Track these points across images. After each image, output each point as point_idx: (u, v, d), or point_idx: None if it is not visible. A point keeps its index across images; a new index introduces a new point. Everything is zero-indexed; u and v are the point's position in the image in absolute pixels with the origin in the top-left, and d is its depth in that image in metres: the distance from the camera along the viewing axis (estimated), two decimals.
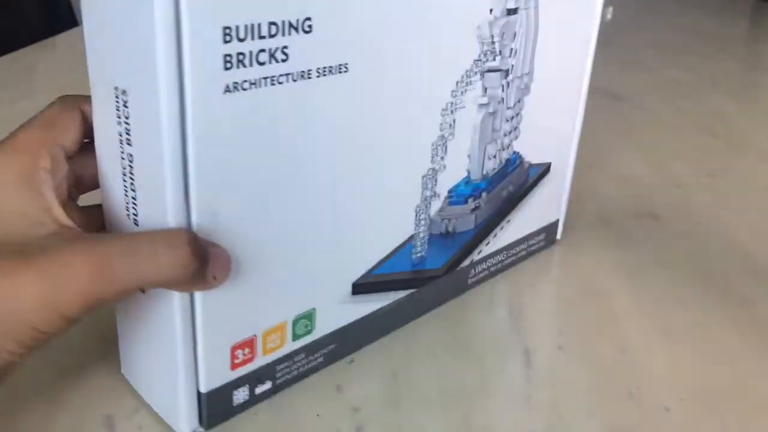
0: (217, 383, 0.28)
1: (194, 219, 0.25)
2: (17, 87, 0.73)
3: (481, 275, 0.40)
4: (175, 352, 0.27)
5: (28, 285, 0.22)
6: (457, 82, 0.32)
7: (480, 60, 0.33)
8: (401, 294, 0.35)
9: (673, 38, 1.20)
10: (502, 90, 0.35)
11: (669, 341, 0.37)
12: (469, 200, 0.36)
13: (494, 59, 0.34)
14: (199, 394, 0.28)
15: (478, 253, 0.39)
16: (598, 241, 0.46)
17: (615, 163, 0.63)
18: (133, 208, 0.26)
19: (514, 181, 0.39)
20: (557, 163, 0.42)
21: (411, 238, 0.34)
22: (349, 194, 0.30)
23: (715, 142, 0.70)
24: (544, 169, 0.41)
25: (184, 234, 0.24)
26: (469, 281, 0.39)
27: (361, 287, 0.32)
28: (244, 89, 0.24)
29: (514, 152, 0.38)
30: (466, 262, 0.38)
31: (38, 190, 0.25)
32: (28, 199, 0.25)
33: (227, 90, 0.24)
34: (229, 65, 0.23)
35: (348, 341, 0.34)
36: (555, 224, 0.44)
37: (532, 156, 0.40)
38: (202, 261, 0.24)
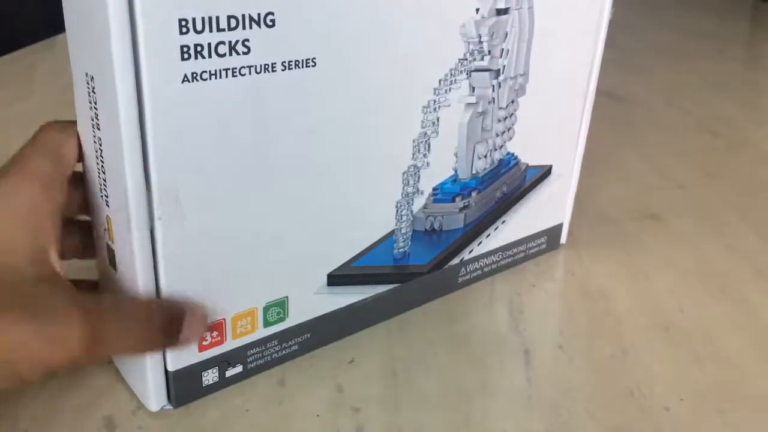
0: (183, 363, 0.29)
1: (155, 200, 0.26)
2: (17, 87, 0.74)
3: (474, 275, 0.40)
4: None
5: (26, 340, 0.23)
6: (440, 80, 0.32)
7: (466, 59, 0.33)
8: (382, 288, 0.35)
9: (674, 39, 1.20)
10: (493, 90, 0.35)
11: (669, 341, 0.37)
12: (457, 199, 0.36)
13: (482, 59, 0.34)
14: (166, 372, 0.29)
15: (469, 252, 0.38)
16: (599, 241, 0.46)
17: (615, 164, 0.63)
18: (104, 190, 0.27)
19: (509, 182, 0.39)
20: (560, 166, 0.42)
21: (392, 233, 0.34)
22: (322, 187, 0.30)
23: (716, 142, 0.70)
24: (544, 172, 0.41)
25: (156, 316, 0.26)
26: (460, 280, 0.39)
27: (336, 279, 0.33)
28: (204, 79, 0.25)
29: (509, 153, 0.38)
30: (455, 261, 0.38)
31: (42, 225, 0.25)
32: (29, 234, 0.25)
33: (186, 80, 0.24)
34: (186, 56, 0.24)
35: (324, 331, 0.34)
36: (558, 228, 0.44)
37: (529, 157, 0.39)
38: (169, 337, 0.27)
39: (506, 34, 0.34)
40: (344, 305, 0.34)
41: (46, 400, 0.31)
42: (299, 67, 0.27)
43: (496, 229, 0.39)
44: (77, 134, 0.28)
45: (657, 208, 0.53)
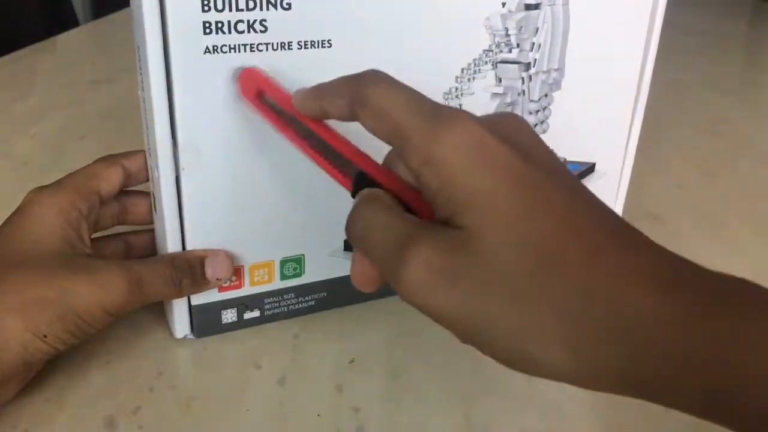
0: (204, 300, 0.34)
1: (180, 152, 0.30)
2: (17, 87, 0.74)
3: None
4: None
5: (83, 285, 0.30)
6: (463, 69, 0.34)
7: (491, 51, 0.34)
8: None
9: (673, 38, 1.20)
10: (522, 82, 0.36)
11: None
12: None
13: (510, 51, 0.35)
14: (190, 306, 0.34)
15: None
16: None
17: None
18: (147, 143, 0.32)
19: None
20: (606, 165, 0.41)
21: None
22: None
23: (715, 142, 0.70)
24: (586, 169, 0.41)
25: (168, 268, 0.32)
26: None
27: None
28: (224, 52, 0.29)
29: None
30: None
31: (73, 222, 0.32)
32: (66, 227, 0.32)
33: (207, 51, 0.29)
34: (208, 31, 0.28)
35: (341, 293, 0.36)
36: None
37: (568, 152, 0.39)
38: (195, 278, 0.32)
39: (537, 29, 0.35)
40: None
41: (46, 400, 0.31)
42: (315, 47, 0.30)
43: None
44: (122, 164, 0.34)
45: (657, 208, 0.53)
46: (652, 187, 0.57)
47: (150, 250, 0.36)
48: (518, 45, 0.35)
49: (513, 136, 0.24)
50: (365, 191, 0.27)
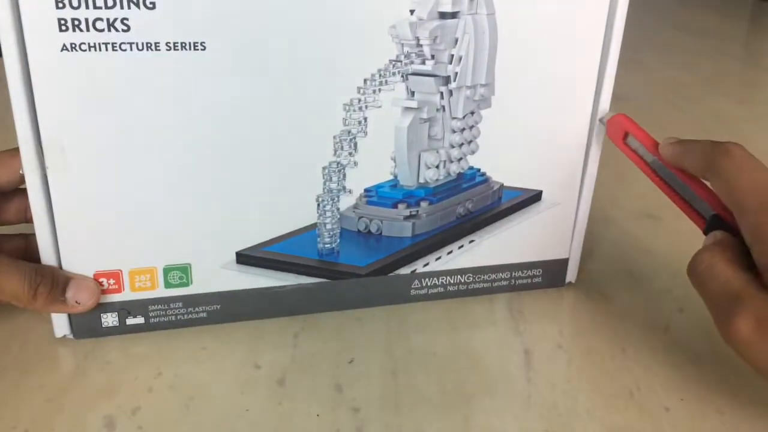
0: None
1: (45, 149, 0.29)
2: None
3: (434, 290, 0.38)
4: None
5: None
6: (366, 79, 0.32)
7: (399, 61, 0.32)
8: (307, 280, 0.35)
9: (673, 38, 1.20)
10: (442, 97, 0.34)
11: (669, 341, 0.37)
12: (400, 206, 0.35)
13: (423, 63, 0.32)
14: None
15: (424, 265, 0.37)
16: (598, 239, 0.46)
17: (615, 163, 0.63)
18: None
19: (475, 200, 0.37)
20: (554, 194, 0.37)
21: (314, 226, 0.34)
22: (220, 167, 0.32)
23: None
24: (531, 196, 0.37)
25: (29, 269, 0.31)
26: (413, 292, 0.37)
27: (246, 258, 0.34)
28: (83, 50, 0.28)
29: (471, 168, 0.36)
30: (405, 271, 0.36)
31: None
32: None
33: (65, 48, 0.28)
34: (64, 28, 0.28)
35: (237, 306, 0.35)
36: (559, 263, 0.40)
37: (506, 178, 0.36)
38: (53, 295, 0.31)
39: (456, 40, 0.33)
40: (259, 286, 0.34)
41: (46, 400, 0.31)
42: (186, 49, 0.29)
43: (461, 247, 0.37)
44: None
45: (656, 207, 0.53)
46: (652, 187, 0.57)
47: None
48: (433, 56, 0.32)
49: None
50: (717, 232, 0.31)
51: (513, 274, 0.39)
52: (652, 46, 1.15)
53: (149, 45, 0.29)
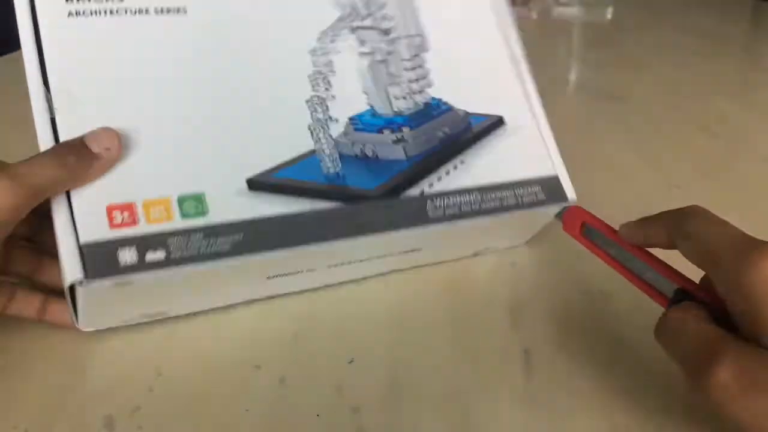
0: (94, 237, 0.31)
1: (53, 95, 0.33)
2: (17, 87, 0.73)
3: (449, 212, 0.39)
4: (56, 207, 0.32)
5: None
6: (321, 31, 0.40)
7: (344, 19, 0.40)
8: (321, 204, 0.36)
9: (673, 38, 1.20)
10: (387, 45, 0.41)
11: None
12: (386, 131, 0.39)
13: (362, 20, 0.41)
14: (79, 245, 0.31)
15: (429, 186, 0.39)
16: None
17: (614, 163, 0.63)
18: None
19: (450, 125, 0.41)
20: (514, 118, 0.43)
21: (313, 152, 0.36)
22: (218, 103, 0.36)
23: (715, 142, 0.70)
24: (494, 122, 0.43)
25: (46, 155, 0.31)
26: (430, 214, 0.39)
27: (257, 184, 0.35)
28: (87, 15, 0.34)
29: (433, 98, 0.41)
30: (414, 192, 0.38)
31: None
32: None
33: (71, 14, 0.34)
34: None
35: (259, 236, 0.34)
36: (554, 181, 0.43)
37: (466, 105, 0.42)
38: (76, 156, 0.31)
39: (384, 3, 0.42)
40: (278, 213, 0.35)
41: (46, 400, 0.31)
42: (171, 13, 0.36)
43: (455, 168, 0.40)
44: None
45: (656, 208, 0.53)
46: (650, 187, 0.57)
47: None
48: (370, 15, 0.41)
49: None
50: (684, 303, 0.31)
51: (516, 192, 0.41)
52: (651, 46, 1.15)
53: (141, 10, 0.35)
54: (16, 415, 0.30)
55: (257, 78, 0.37)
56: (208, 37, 0.37)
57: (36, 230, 0.36)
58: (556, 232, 0.41)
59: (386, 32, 0.41)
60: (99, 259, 0.31)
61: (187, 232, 0.33)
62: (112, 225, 0.32)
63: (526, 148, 0.43)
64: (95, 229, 0.31)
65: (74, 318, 0.33)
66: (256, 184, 0.35)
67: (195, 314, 0.36)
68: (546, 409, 0.32)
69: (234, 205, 0.34)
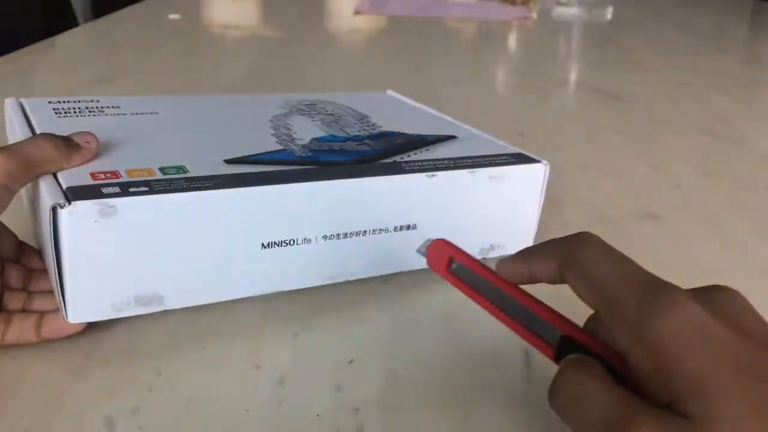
0: (77, 183, 0.33)
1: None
2: (17, 87, 0.74)
3: (425, 167, 0.40)
4: (43, 181, 0.33)
5: None
6: (274, 116, 0.47)
7: (290, 111, 0.49)
8: (299, 167, 0.38)
9: (673, 38, 1.20)
10: (335, 117, 0.48)
11: None
12: (349, 142, 0.43)
13: (309, 107, 0.50)
14: (62, 190, 0.32)
15: (401, 158, 0.41)
16: None
17: (614, 163, 0.63)
18: None
19: (406, 138, 0.45)
20: (460, 132, 0.48)
21: (282, 150, 0.40)
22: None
23: (715, 142, 0.70)
24: (447, 135, 0.47)
25: (40, 136, 0.34)
26: (405, 167, 0.40)
27: (234, 160, 0.38)
28: (71, 116, 0.41)
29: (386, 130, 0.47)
30: (388, 161, 0.41)
31: None
32: None
33: (58, 114, 0.42)
34: (58, 113, 0.40)
35: (238, 179, 0.35)
36: (519, 154, 0.44)
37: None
38: (63, 141, 0.34)
39: (324, 107, 0.50)
40: (256, 171, 0.37)
41: (46, 400, 0.31)
42: (144, 114, 0.44)
43: (425, 150, 0.43)
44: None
45: (656, 207, 0.53)
46: (651, 187, 0.57)
47: None
48: (316, 112, 0.49)
49: (730, 313, 0.23)
50: (572, 357, 0.26)
51: (486, 158, 0.43)
52: (652, 46, 1.15)
53: (117, 114, 0.43)
54: (16, 415, 0.30)
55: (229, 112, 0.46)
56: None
57: (19, 254, 0.37)
58: (556, 232, 0.41)
59: (331, 114, 0.48)
60: (81, 189, 0.33)
61: (168, 180, 0.35)
62: (95, 177, 0.34)
63: (485, 144, 0.46)
64: (78, 179, 0.33)
65: (64, 310, 0.32)
66: (233, 160, 0.38)
67: (195, 314, 0.36)
68: (546, 409, 0.32)
69: (210, 171, 0.36)
